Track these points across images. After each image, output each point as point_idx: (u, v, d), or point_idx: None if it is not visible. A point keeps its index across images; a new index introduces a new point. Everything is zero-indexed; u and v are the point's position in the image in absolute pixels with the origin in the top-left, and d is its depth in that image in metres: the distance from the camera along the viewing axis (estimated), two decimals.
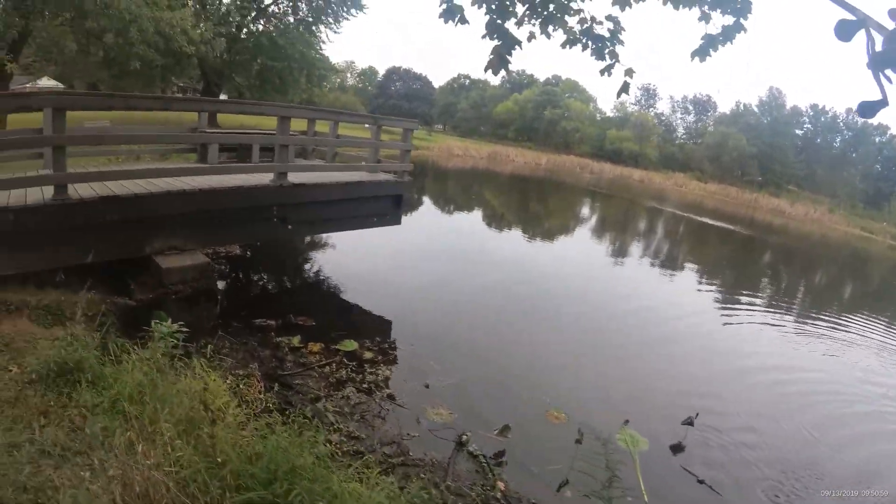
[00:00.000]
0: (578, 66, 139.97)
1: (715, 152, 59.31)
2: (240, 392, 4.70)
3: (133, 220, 6.00)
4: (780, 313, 13.26)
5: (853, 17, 1.26)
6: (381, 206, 9.18)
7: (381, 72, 73.93)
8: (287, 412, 4.72)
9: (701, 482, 5.26)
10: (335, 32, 28.15)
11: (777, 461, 5.91)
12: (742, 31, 4.04)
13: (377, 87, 72.47)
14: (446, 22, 4.19)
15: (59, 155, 5.45)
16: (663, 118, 70.06)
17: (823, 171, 59.61)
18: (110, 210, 5.82)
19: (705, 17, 4.10)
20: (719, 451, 5.88)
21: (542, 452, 5.25)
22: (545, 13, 4.20)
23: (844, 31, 1.22)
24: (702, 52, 4.16)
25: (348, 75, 58.92)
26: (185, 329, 4.25)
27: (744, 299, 14.09)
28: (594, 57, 4.40)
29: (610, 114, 69.98)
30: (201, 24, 20.45)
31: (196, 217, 6.54)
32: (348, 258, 10.69)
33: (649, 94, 70.67)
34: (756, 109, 61.83)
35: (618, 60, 4.38)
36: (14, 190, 5.52)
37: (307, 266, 10.10)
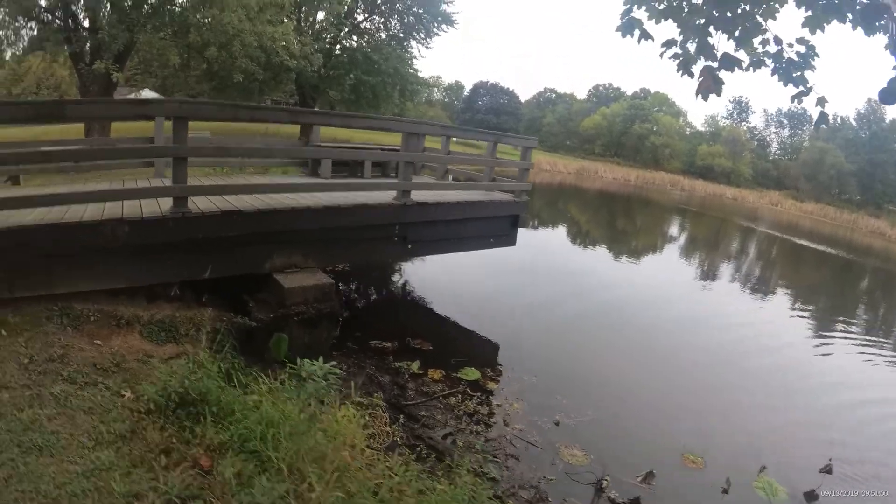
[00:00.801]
0: (667, 80, 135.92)
1: (811, 169, 55.54)
2: (367, 424, 4.42)
3: (254, 235, 5.79)
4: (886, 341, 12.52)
5: None
6: (499, 227, 8.84)
7: (468, 86, 74.41)
8: (417, 448, 4.46)
9: None
10: (427, 48, 28.27)
11: None
12: None
13: (464, 101, 73.03)
14: (623, 36, 3.79)
15: (180, 166, 5.25)
16: (756, 133, 66.54)
17: None
18: (232, 225, 5.61)
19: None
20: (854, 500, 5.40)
21: (685, 501, 4.91)
22: (736, 34, 3.71)
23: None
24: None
25: (435, 90, 59.52)
26: (336, 371, 3.82)
27: (851, 331, 12.92)
28: (781, 82, 3.87)
29: (701, 128, 67.37)
30: (301, 38, 20.85)
31: (318, 234, 6.35)
32: (451, 277, 10.44)
33: (741, 107, 67.37)
34: (854, 123, 57.47)
35: (808, 87, 3.83)
36: (128, 200, 5.37)
37: (413, 285, 9.83)
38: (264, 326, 5.60)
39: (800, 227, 37.97)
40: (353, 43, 27.17)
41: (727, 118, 66.97)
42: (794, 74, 3.74)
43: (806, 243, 30.04)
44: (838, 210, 50.31)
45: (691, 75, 3.70)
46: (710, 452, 5.74)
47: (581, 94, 75.91)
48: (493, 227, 8.70)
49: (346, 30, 26.41)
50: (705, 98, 3.58)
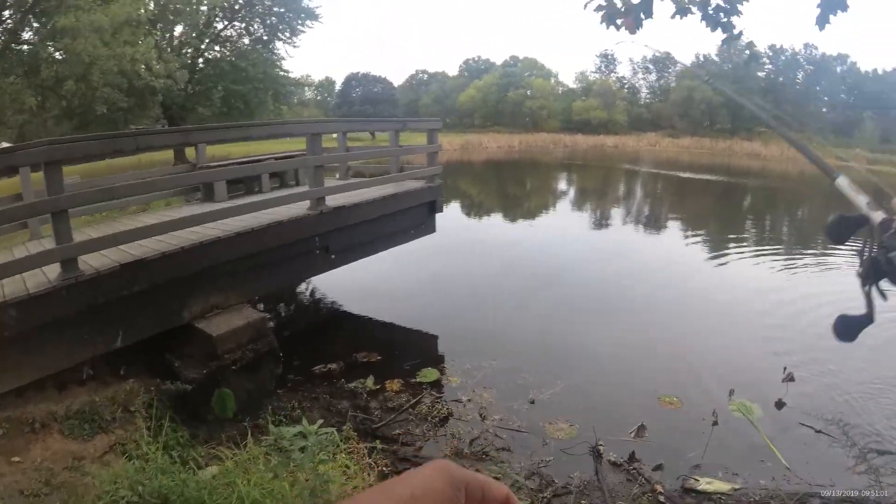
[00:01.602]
0: (534, 44, 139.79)
1: (683, 107, 59.41)
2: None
3: (164, 284, 5.00)
4: (776, 249, 13.82)
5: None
6: (417, 217, 8.49)
7: (339, 80, 72.82)
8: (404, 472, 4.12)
9: (819, 432, 5.22)
10: (294, 47, 27.27)
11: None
12: None
13: (338, 95, 71.39)
14: None
15: (62, 222, 4.35)
16: (625, 81, 69.73)
17: (791, 109, 59.90)
18: (135, 278, 4.77)
19: None
20: (817, 398, 5.82)
21: (674, 442, 4.93)
22: None
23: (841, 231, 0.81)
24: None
25: (306, 89, 57.70)
26: (327, 430, 3.27)
27: (744, 245, 14.35)
28: (710, 28, 3.83)
29: (573, 85, 69.73)
30: (161, 56, 19.39)
31: (234, 266, 5.64)
32: (374, 277, 9.71)
33: (608, 59, 70.46)
34: (717, 58, 61.89)
35: (738, 33, 3.82)
36: (6, 279, 4.28)
37: (340, 295, 9.13)
38: (200, 386, 4.90)
39: (680, 162, 40.36)
40: (217, 53, 25.87)
41: (596, 72, 69.96)
42: (722, 20, 3.70)
43: (688, 175, 32.11)
44: (714, 140, 54.35)
45: (617, 27, 3.54)
46: (681, 390, 5.88)
47: (452, 71, 76.50)
48: (412, 218, 8.34)
49: (208, 41, 25.00)
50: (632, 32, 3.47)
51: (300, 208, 6.37)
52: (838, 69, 60.10)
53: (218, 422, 4.59)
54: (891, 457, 4.70)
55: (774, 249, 13.82)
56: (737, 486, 4.34)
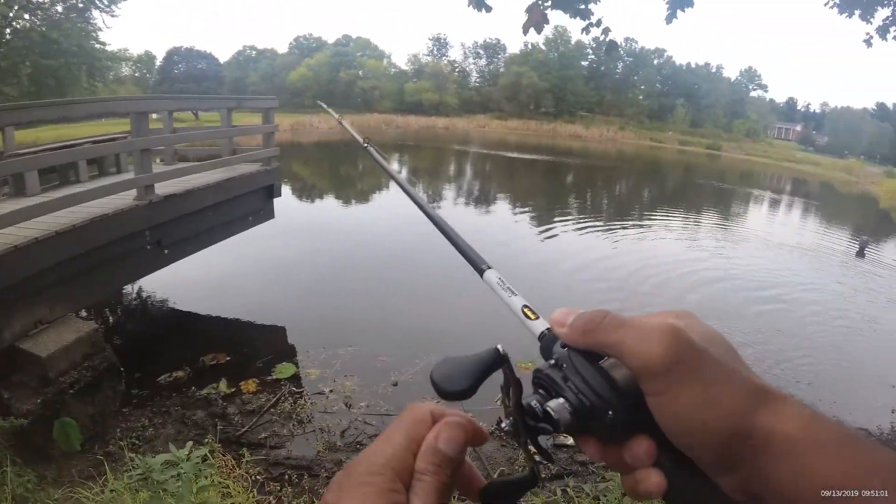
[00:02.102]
0: (367, 24, 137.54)
1: (511, 91, 62.83)
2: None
3: None
4: (598, 220, 15.71)
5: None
6: (255, 202, 7.95)
7: (160, 55, 65.96)
8: (284, 475, 3.94)
9: None
10: (112, 16, 23.92)
11: None
12: None
13: (159, 72, 64.62)
14: None
15: None
16: (457, 65, 71.67)
17: (611, 95, 67.11)
18: None
19: None
20: None
21: None
22: None
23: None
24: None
25: (123, 64, 51.24)
26: (199, 450, 2.88)
27: (567, 216, 15.86)
28: (568, 14, 4.06)
29: (405, 67, 70.21)
30: None
31: (58, 272, 4.79)
32: (209, 271, 8.71)
33: (440, 43, 72.03)
34: (544, 47, 66.12)
35: (597, 20, 4.09)
36: None
37: (175, 294, 7.99)
38: (37, 418, 4.16)
39: (508, 142, 42.90)
40: (27, 23, 22.07)
41: (428, 55, 71.07)
42: (579, 7, 3.90)
43: (515, 155, 34.23)
44: (539, 122, 58.67)
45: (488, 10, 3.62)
46: (534, 355, 6.18)
47: (282, 48, 73.18)
48: (249, 204, 7.82)
49: (16, 7, 21.23)
50: (538, 31, 3.58)
51: (126, 199, 5.58)
52: (655, 61, 68.35)
53: (66, 456, 3.95)
54: None
55: (596, 220, 15.35)
56: None
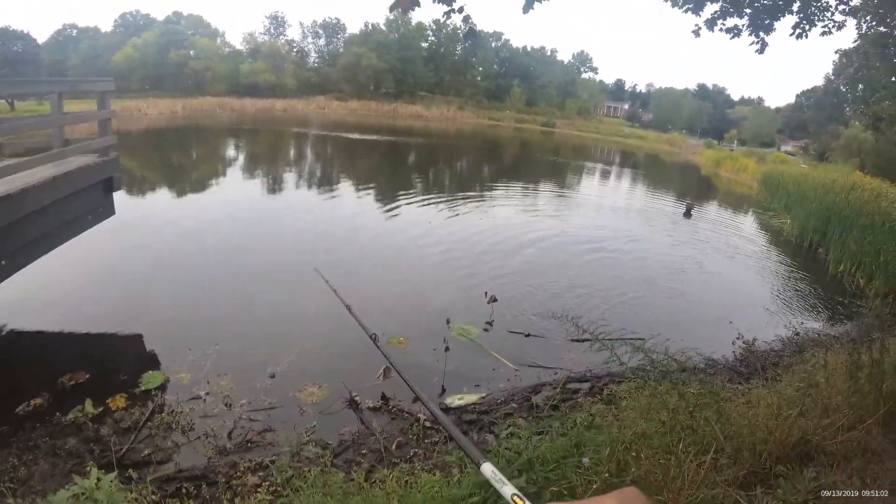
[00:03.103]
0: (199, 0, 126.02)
1: (350, 72, 62.02)
2: None
3: None
4: (441, 196, 16.49)
5: None
6: (93, 199, 7.13)
7: None
8: (180, 489, 3.78)
9: (528, 335, 6.80)
10: None
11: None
12: None
13: None
14: None
15: None
16: (295, 45, 68.95)
17: (450, 76, 69.27)
18: None
19: None
20: (516, 309, 7.51)
21: (417, 375, 5.54)
22: None
23: None
24: None
25: None
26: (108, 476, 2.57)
27: (410, 194, 16.66)
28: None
29: (240, 46, 66.05)
30: None
31: None
32: (43, 280, 7.51)
33: (278, 21, 68.67)
34: (384, 28, 65.86)
35: (459, 7, 4.29)
36: None
37: (11, 312, 6.74)
38: None
39: (348, 123, 42.62)
40: None
41: (265, 34, 67.51)
42: None
43: (356, 136, 34.09)
44: (379, 103, 58.88)
45: None
46: (404, 329, 6.70)
47: (106, 26, 65.38)
48: (86, 201, 7.03)
49: None
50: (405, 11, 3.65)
51: None
52: (493, 44, 71.52)
53: None
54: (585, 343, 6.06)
55: (439, 197, 16.03)
56: (483, 395, 5.34)
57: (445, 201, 15.56)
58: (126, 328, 6.62)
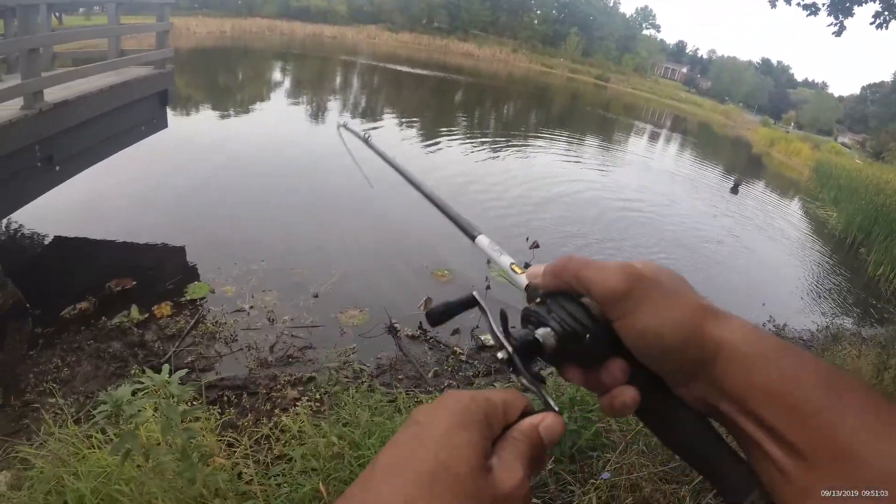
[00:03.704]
0: None
1: (404, 3, 60.47)
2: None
3: None
4: (485, 138, 16.28)
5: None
6: (148, 111, 7.29)
7: None
8: (225, 398, 3.95)
9: None
10: None
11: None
12: None
13: None
14: None
15: None
16: None
17: (506, 17, 67.14)
18: None
19: None
20: (551, 254, 7.21)
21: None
22: None
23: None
24: None
25: None
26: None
27: (453, 133, 16.29)
28: None
29: None
30: None
31: None
32: (92, 187, 7.54)
33: None
34: None
35: None
36: None
37: (61, 216, 6.92)
38: None
39: (398, 56, 41.53)
40: None
41: None
42: None
43: (405, 69, 33.32)
44: (431, 38, 57.35)
45: None
46: (448, 264, 6.75)
47: None
48: (141, 111, 7.17)
49: None
50: None
51: (10, 108, 4.87)
52: None
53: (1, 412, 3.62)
54: None
55: (483, 138, 15.83)
56: None
57: (489, 143, 15.35)
58: (173, 240, 6.82)
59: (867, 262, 12.00)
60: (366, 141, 1.15)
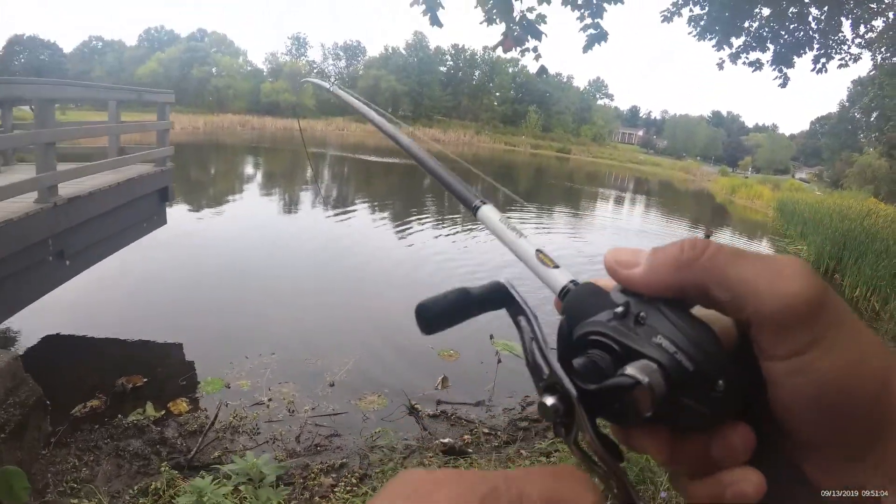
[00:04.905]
0: (224, 19, 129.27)
1: (369, 94, 62.94)
2: None
3: None
4: (457, 218, 15.99)
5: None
6: (149, 207, 7.40)
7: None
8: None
9: None
10: None
11: None
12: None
13: None
14: None
15: None
16: (315, 66, 71.08)
17: (467, 101, 70.87)
18: None
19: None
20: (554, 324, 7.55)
21: (471, 384, 5.84)
22: None
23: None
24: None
25: None
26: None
27: (424, 217, 16.37)
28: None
29: (261, 66, 67.84)
30: None
31: None
32: (91, 286, 7.28)
33: (300, 42, 70.71)
34: (404, 52, 67.67)
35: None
36: None
37: (65, 313, 6.75)
38: None
39: (366, 146, 42.73)
40: None
41: (286, 54, 69.39)
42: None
43: (373, 158, 34.24)
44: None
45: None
46: (452, 344, 6.71)
47: (131, 40, 67.63)
48: (144, 208, 7.30)
49: None
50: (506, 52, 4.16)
51: (23, 203, 4.87)
52: (510, 70, 72.97)
53: None
54: None
55: (454, 221, 15.99)
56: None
57: (463, 224, 15.53)
58: (180, 336, 6.64)
59: (843, 287, 12.44)
60: (331, 90, 1.03)
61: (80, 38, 73.60)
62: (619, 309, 0.32)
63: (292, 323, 7.30)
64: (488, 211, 0.51)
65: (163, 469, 3.86)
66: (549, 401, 0.30)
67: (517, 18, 5.09)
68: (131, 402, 5.00)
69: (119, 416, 4.76)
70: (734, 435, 0.31)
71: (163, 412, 4.89)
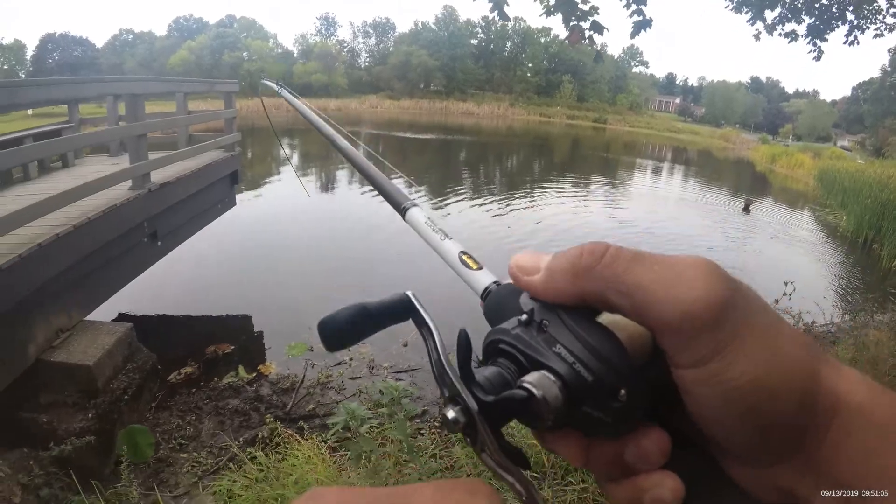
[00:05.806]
0: (252, 3, 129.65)
1: (401, 71, 63.52)
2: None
3: None
4: (495, 192, 16.71)
5: None
6: (222, 190, 7.89)
7: (31, 43, 60.19)
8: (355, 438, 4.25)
9: None
10: None
11: None
12: None
13: (33, 62, 58.93)
14: None
15: None
16: (346, 45, 71.26)
17: (500, 73, 69.99)
18: None
19: None
20: None
21: None
22: None
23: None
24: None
25: None
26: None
27: (461, 192, 16.51)
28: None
29: (292, 48, 68.47)
30: None
31: (65, 277, 4.36)
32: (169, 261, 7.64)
33: (329, 22, 71.06)
34: (434, 26, 67.21)
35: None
36: None
37: (154, 288, 7.13)
38: (89, 440, 3.70)
39: (400, 122, 43.06)
40: None
41: (316, 35, 69.70)
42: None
43: (408, 135, 34.41)
44: (431, 101, 60.00)
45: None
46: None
47: (160, 31, 69.01)
48: (218, 191, 7.79)
49: None
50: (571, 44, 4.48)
51: (118, 191, 5.33)
52: (542, 40, 71.51)
53: (137, 470, 3.75)
54: None
55: (490, 192, 16.41)
56: None
57: (498, 198, 15.77)
58: (273, 302, 7.35)
59: (881, 257, 12.49)
60: (280, 93, 1.04)
61: (111, 31, 75.54)
62: (524, 317, 0.33)
63: (360, 292, 7.72)
64: (416, 213, 0.51)
65: (268, 420, 4.33)
66: (451, 413, 0.30)
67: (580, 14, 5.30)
68: (222, 367, 5.52)
69: (215, 378, 5.28)
70: (647, 440, 0.31)
71: (254, 374, 5.43)
